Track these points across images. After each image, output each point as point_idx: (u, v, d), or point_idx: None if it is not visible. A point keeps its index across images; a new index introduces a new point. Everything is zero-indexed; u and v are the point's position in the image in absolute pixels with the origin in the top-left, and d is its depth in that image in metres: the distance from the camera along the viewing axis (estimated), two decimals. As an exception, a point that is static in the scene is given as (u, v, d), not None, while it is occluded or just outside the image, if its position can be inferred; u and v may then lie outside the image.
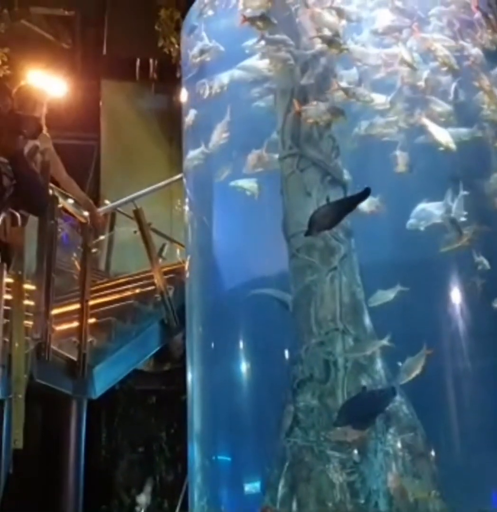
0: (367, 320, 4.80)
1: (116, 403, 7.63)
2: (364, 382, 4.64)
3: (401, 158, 4.94)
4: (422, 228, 4.82)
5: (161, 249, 8.28)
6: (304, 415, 4.68)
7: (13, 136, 4.01)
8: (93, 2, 11.57)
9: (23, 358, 4.26)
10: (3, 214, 3.88)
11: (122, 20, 10.83)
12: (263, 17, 5.12)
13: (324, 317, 4.80)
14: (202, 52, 5.56)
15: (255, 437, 4.94)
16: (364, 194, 4.60)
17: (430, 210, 4.86)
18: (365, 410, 4.55)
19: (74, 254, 7.61)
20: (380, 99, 5.07)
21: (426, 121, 5.05)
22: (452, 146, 4.96)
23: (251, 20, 5.14)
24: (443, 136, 4.97)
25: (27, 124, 4.08)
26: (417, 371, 4.47)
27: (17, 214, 4.07)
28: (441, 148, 4.97)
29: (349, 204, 4.73)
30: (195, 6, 5.79)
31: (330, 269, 4.88)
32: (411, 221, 4.83)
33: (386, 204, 4.87)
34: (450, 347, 4.76)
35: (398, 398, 4.62)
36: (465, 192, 4.89)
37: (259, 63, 5.32)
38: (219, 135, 5.37)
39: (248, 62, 5.36)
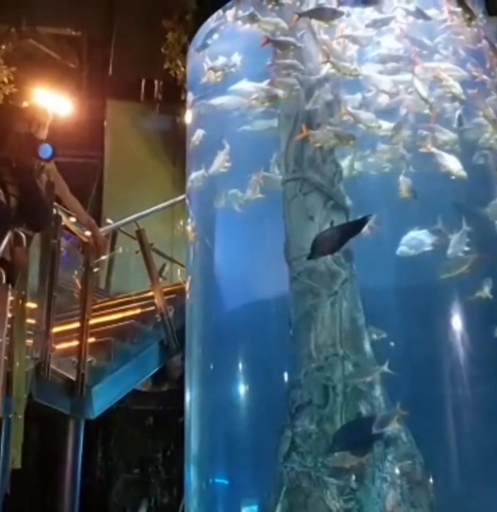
0: (367, 346, 4.79)
1: (113, 423, 7.58)
2: (363, 408, 4.62)
3: (404, 184, 4.96)
4: (412, 255, 4.83)
5: (162, 269, 8.29)
6: (302, 440, 4.65)
7: (29, 158, 4.04)
8: (100, 23, 11.67)
9: (23, 378, 4.23)
10: (9, 234, 3.88)
11: (128, 41, 10.92)
12: (286, 40, 5.14)
13: (324, 342, 4.79)
14: (211, 71, 5.58)
15: (252, 461, 4.91)
16: (366, 219, 4.62)
17: (421, 238, 4.87)
18: (361, 435, 4.53)
19: (75, 272, 7.61)
20: (385, 125, 5.10)
21: (435, 150, 5.06)
22: (463, 174, 4.98)
23: (274, 42, 5.16)
24: (454, 164, 4.99)
25: (43, 149, 4.11)
26: (389, 428, 4.46)
27: (22, 234, 4.08)
28: (453, 177, 4.99)
29: (353, 228, 4.74)
30: (206, 23, 5.80)
31: (331, 294, 4.88)
32: (401, 249, 4.84)
33: (388, 229, 4.88)
34: (450, 374, 4.75)
35: (397, 425, 4.61)
36: (468, 228, 4.89)
37: (249, 86, 5.36)
38: (220, 164, 5.39)
39: (239, 85, 5.39)
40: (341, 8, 5.10)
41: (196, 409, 5.36)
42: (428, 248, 4.82)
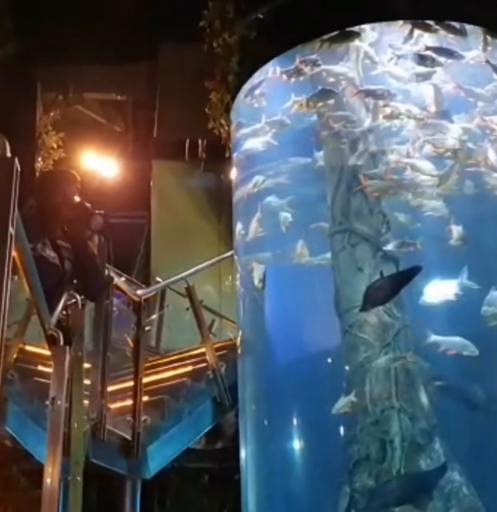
0: (423, 398, 4.71)
1: (168, 482, 7.50)
2: (422, 462, 4.52)
3: (455, 232, 4.93)
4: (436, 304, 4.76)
5: (211, 325, 8.29)
6: (361, 496, 4.56)
7: (82, 228, 4.15)
8: (144, 87, 11.97)
9: (81, 440, 4.25)
10: (65, 297, 3.96)
11: (172, 103, 11.14)
12: (381, 89, 5.19)
13: (379, 395, 4.73)
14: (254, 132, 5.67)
15: (311, 519, 4.82)
16: (418, 268, 4.60)
17: (442, 288, 4.80)
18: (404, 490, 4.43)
19: (126, 330, 7.66)
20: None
21: None
22: None
23: (366, 92, 5.23)
24: None
25: (96, 221, 4.23)
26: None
27: (78, 296, 4.16)
28: None
29: (404, 278, 4.71)
30: (249, 81, 5.84)
31: (384, 346, 4.83)
32: (423, 298, 4.79)
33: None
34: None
35: (458, 478, 4.49)
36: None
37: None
38: (254, 231, 5.44)
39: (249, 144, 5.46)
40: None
41: (252, 466, 5.30)
42: (451, 298, 4.75)
